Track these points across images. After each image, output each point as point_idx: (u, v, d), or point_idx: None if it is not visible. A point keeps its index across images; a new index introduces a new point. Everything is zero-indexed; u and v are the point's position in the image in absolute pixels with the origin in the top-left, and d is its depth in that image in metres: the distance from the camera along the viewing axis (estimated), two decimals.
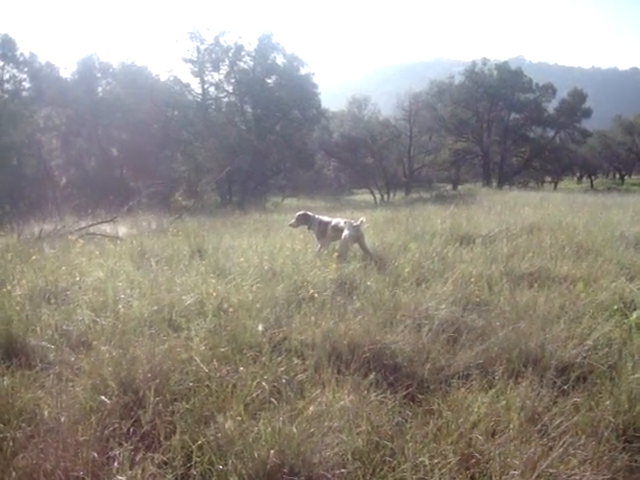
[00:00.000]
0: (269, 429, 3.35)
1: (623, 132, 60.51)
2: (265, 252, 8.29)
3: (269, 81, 45.65)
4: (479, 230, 10.61)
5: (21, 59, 42.82)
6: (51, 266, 7.65)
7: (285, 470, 3.12)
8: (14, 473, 3.12)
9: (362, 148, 46.96)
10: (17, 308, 5.59)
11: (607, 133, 61.17)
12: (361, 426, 3.54)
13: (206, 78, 45.44)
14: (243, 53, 44.85)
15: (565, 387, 4.25)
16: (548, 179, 62.66)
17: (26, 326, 5.26)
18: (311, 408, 3.59)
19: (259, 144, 42.00)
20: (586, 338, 5.01)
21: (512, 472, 3.14)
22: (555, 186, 57.04)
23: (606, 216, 13.18)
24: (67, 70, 44.48)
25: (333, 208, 24.29)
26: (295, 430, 3.35)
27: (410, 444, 3.40)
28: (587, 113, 54.89)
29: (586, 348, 4.83)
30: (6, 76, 42.89)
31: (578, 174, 69.23)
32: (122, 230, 13.79)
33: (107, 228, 13.78)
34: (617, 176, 68.10)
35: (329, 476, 3.14)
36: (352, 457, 3.30)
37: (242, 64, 45.25)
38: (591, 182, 62.00)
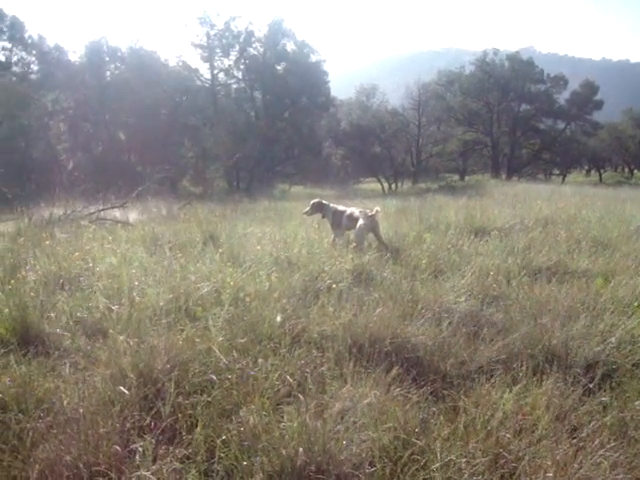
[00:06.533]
0: (295, 425, 3.27)
1: (633, 125, 59.89)
2: (279, 241, 8.22)
3: (279, 68, 45.41)
4: (493, 222, 10.53)
5: (29, 41, 42.62)
6: (64, 251, 7.59)
7: (312, 468, 3.04)
8: (37, 465, 3.07)
9: (370, 137, 46.71)
10: (32, 294, 5.54)
11: (617, 126, 60.54)
12: (386, 422, 3.46)
13: (215, 64, 45.27)
14: (253, 39, 44.62)
15: (590, 385, 4.17)
16: (556, 172, 62.25)
17: (41, 313, 5.22)
18: (337, 405, 3.50)
19: (268, 131, 41.86)
20: (608, 335, 4.92)
21: (546, 475, 3.05)
22: (563, 179, 56.57)
23: (620, 210, 13.06)
24: (75, 53, 44.24)
25: (341, 197, 24.17)
26: (320, 426, 3.28)
27: (437, 442, 3.33)
28: (598, 105, 54.45)
29: (610, 346, 4.74)
30: (14, 58, 42.76)
31: (586, 167, 68.70)
32: (132, 216, 13.77)
33: (117, 213, 13.75)
34: (626, 170, 67.50)
35: (358, 474, 3.07)
36: (379, 454, 3.22)
37: (252, 50, 45.04)
38: (600, 175, 61.47)
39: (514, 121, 53.33)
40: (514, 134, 53.38)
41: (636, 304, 5.86)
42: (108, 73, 44.15)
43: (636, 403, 3.87)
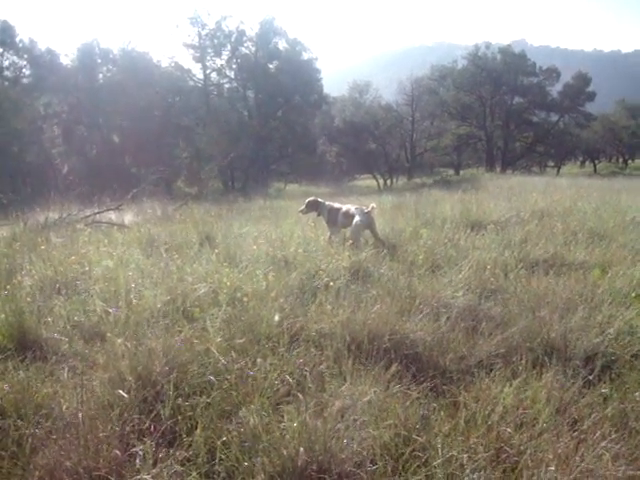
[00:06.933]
0: (295, 424, 3.25)
1: (627, 116, 59.96)
2: (275, 240, 8.20)
3: (271, 66, 45.42)
4: (489, 216, 10.52)
5: (21, 45, 42.55)
6: (59, 255, 7.56)
7: (313, 467, 3.02)
8: (36, 472, 3.04)
9: (364, 133, 46.72)
10: (28, 299, 5.51)
11: (610, 117, 60.56)
12: (387, 419, 3.45)
13: (208, 64, 45.26)
14: (245, 38, 44.63)
15: (590, 377, 4.16)
16: (551, 164, 62.34)
17: (38, 318, 5.19)
18: (337, 403, 3.48)
19: (261, 130, 41.86)
20: (607, 326, 4.91)
21: (548, 468, 3.04)
22: (558, 171, 56.59)
23: (615, 201, 13.06)
24: (67, 57, 44.15)
25: (337, 194, 24.14)
26: (320, 425, 3.26)
27: (438, 438, 3.31)
28: (591, 97, 54.51)
29: (609, 337, 4.73)
30: (6, 63, 42.65)
31: (581, 158, 68.76)
32: (128, 218, 13.72)
33: (113, 216, 13.70)
34: (620, 160, 67.57)
35: (360, 472, 3.05)
36: (380, 451, 3.21)
37: (244, 49, 45.06)
38: (594, 166, 61.54)
39: (507, 114, 53.37)
40: (508, 127, 53.43)
41: (633, 295, 5.84)
42: (100, 75, 44.13)
43: (636, 394, 3.85)
